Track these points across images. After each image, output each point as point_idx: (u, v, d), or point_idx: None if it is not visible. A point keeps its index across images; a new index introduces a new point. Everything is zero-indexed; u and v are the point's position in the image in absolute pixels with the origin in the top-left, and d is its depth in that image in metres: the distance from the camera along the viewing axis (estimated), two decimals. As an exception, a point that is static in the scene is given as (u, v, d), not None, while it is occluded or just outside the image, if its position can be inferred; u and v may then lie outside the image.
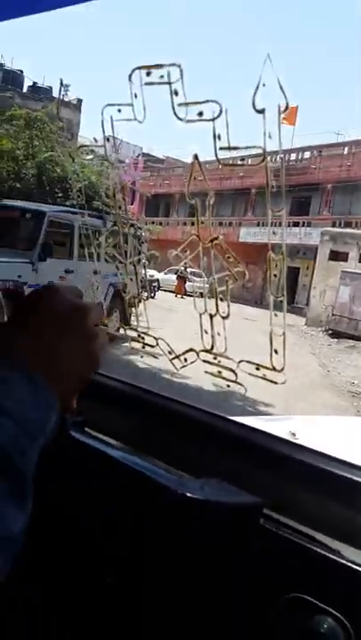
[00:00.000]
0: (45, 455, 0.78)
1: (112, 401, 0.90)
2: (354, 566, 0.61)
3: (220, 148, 0.60)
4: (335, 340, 15.51)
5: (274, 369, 0.68)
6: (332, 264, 19.23)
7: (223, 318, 0.70)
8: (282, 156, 0.57)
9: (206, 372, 0.76)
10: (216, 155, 0.60)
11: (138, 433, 0.85)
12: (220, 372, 0.75)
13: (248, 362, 0.72)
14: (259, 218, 26.35)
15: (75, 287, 0.54)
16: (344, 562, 0.62)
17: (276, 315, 0.68)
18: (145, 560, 0.71)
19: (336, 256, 19.41)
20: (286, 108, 0.54)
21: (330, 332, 16.65)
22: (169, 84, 0.59)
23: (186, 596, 0.68)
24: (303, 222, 24.91)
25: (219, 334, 0.72)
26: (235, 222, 26.56)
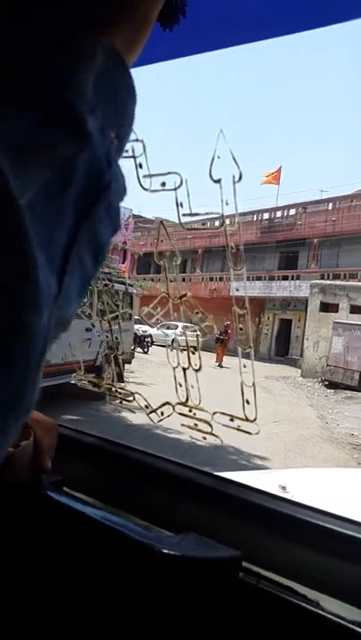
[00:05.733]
0: (21, 517, 0.78)
1: (90, 458, 0.90)
2: (335, 619, 0.61)
3: (183, 215, 0.65)
4: (332, 390, 15.41)
5: (246, 419, 0.70)
6: (323, 315, 19.46)
7: (196, 371, 0.73)
8: (238, 221, 0.62)
9: (183, 424, 0.78)
10: (179, 220, 0.65)
11: (116, 489, 0.85)
12: (195, 424, 0.76)
13: (222, 413, 0.74)
14: (249, 272, 26.95)
15: None
16: (325, 615, 0.61)
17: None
18: (126, 620, 0.70)
19: (327, 307, 19.68)
20: (240, 178, 0.60)
21: (326, 382, 16.58)
22: (134, 157, 0.65)
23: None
24: (292, 276, 25.45)
25: (192, 387, 0.74)
26: (225, 277, 27.08)
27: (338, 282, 21.38)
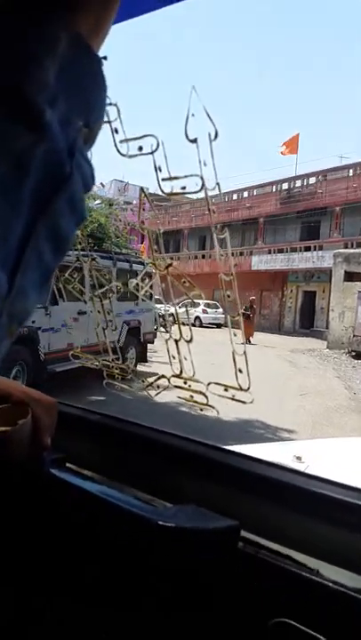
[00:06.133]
0: (22, 494, 0.79)
1: (92, 433, 0.90)
2: (335, 586, 0.60)
3: (163, 179, 0.62)
4: (359, 361, 15.23)
5: (240, 388, 0.68)
6: (348, 285, 19.09)
7: (187, 342, 0.71)
8: (218, 182, 0.59)
9: (179, 397, 0.77)
10: (159, 185, 0.63)
11: (119, 464, 0.85)
12: (191, 396, 0.75)
13: (216, 383, 0.72)
14: (269, 245, 26.56)
15: None
16: (326, 582, 0.60)
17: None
18: (126, 594, 0.70)
19: (351, 277, 19.28)
20: (216, 135, 0.56)
21: (353, 353, 16.38)
22: (109, 122, 0.63)
23: (167, 628, 0.67)
24: (315, 246, 24.96)
25: (186, 359, 0.73)
26: (246, 252, 26.75)
27: (361, 250, 20.88)
